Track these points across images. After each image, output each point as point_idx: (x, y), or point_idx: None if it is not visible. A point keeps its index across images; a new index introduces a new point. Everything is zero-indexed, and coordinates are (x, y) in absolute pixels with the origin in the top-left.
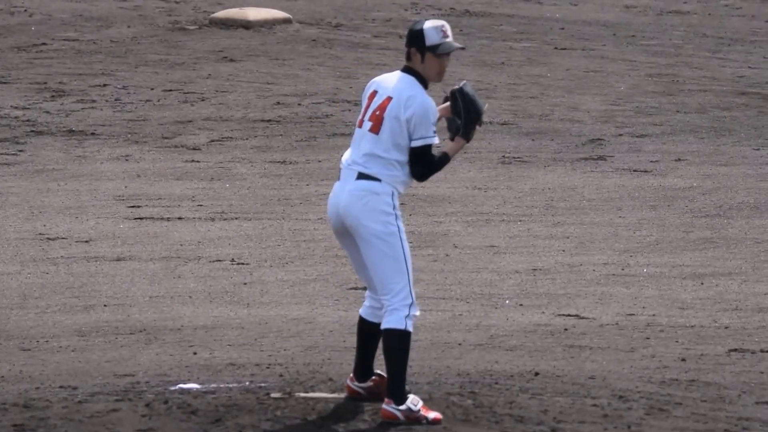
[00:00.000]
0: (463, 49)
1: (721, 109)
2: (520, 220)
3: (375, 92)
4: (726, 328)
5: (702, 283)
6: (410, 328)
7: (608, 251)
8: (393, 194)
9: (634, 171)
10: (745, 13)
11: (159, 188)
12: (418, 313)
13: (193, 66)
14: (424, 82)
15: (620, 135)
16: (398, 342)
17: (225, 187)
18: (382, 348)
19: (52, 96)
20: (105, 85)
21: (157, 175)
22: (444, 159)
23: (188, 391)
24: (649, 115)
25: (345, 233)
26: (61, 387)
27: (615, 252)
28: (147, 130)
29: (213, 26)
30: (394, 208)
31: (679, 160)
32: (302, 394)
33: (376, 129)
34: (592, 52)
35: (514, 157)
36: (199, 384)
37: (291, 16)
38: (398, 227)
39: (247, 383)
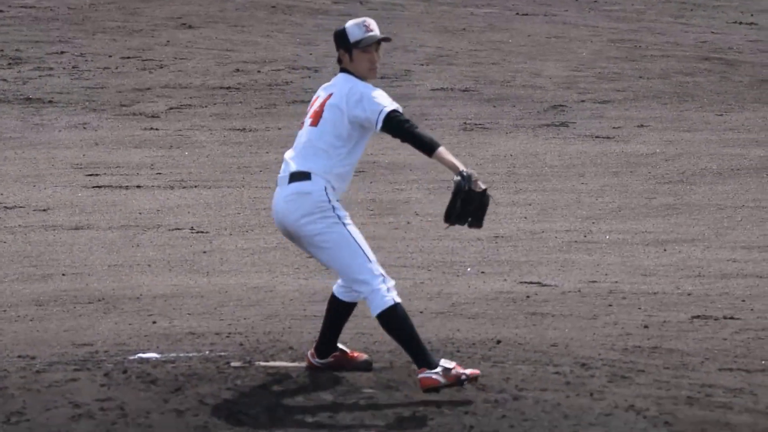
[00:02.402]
0: (388, 40)
1: (684, 75)
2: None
3: (317, 97)
4: (689, 294)
5: (665, 250)
6: (394, 300)
7: (570, 218)
8: (326, 188)
9: (597, 137)
10: None
11: (117, 156)
12: (392, 282)
13: (151, 33)
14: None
15: (582, 101)
16: (393, 319)
17: (184, 155)
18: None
19: (9, 64)
20: (62, 52)
21: (116, 143)
22: (428, 140)
23: (147, 360)
24: (611, 81)
25: (293, 236)
26: (18, 356)
27: (577, 219)
28: (105, 97)
29: None
30: (329, 201)
31: (642, 126)
32: (263, 363)
33: (315, 123)
34: (554, 18)
35: (475, 124)
36: (159, 353)
37: None
38: (338, 216)
39: (207, 352)
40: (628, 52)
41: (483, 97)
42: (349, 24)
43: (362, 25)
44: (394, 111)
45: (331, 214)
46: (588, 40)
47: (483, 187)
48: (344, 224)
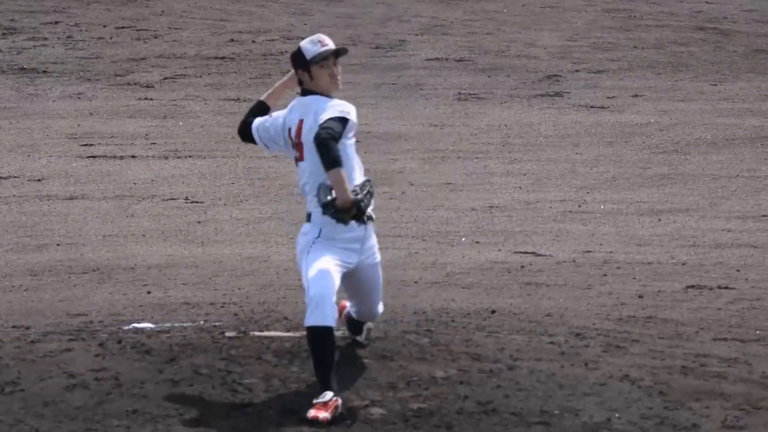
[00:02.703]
0: (344, 52)
1: (679, 45)
2: (477, 157)
3: (290, 127)
4: (683, 264)
5: (659, 220)
6: (308, 322)
7: (565, 188)
8: (320, 231)
9: (591, 107)
10: None
11: (112, 126)
12: (316, 304)
13: (145, 2)
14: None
15: (577, 71)
16: (309, 337)
17: (178, 125)
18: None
19: (3, 34)
20: (57, 22)
21: (110, 113)
22: (333, 157)
23: (142, 330)
24: (606, 51)
25: None
26: (13, 326)
27: (572, 189)
28: (99, 67)
29: None
30: (315, 238)
31: (637, 95)
32: (257, 333)
33: (302, 156)
34: None
35: (470, 94)
36: (153, 323)
37: None
38: (312, 242)
39: (202, 322)
40: (622, 22)
41: (478, 67)
42: (303, 43)
43: (316, 41)
44: (327, 121)
45: (309, 246)
46: (582, 9)
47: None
48: (309, 251)
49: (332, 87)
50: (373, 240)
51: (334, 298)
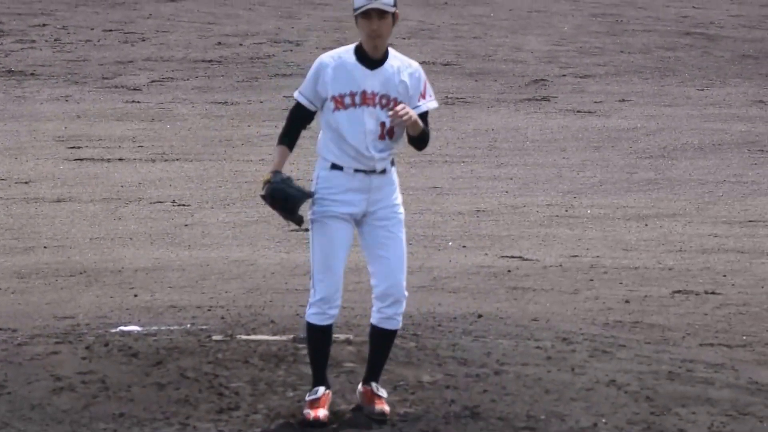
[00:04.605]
0: (373, 8)
1: (666, 50)
2: (464, 161)
3: None
4: (670, 269)
5: (646, 225)
6: (309, 320)
7: (552, 192)
8: (317, 176)
9: (578, 112)
10: None
11: (99, 129)
12: (320, 302)
13: (133, 5)
14: (360, 49)
15: (564, 75)
16: (307, 333)
17: (166, 128)
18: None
19: None
20: (44, 24)
21: (98, 116)
22: (281, 133)
23: (129, 333)
24: (592, 56)
25: None
26: (0, 329)
27: (559, 193)
28: (87, 70)
29: None
30: (314, 201)
31: (623, 100)
32: (244, 337)
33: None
34: None
35: (457, 98)
36: (140, 326)
37: None
38: (313, 211)
39: (189, 325)
40: (609, 27)
41: (465, 72)
42: None
43: None
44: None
45: (312, 215)
46: (569, 14)
47: (262, 193)
48: (312, 225)
49: (368, 42)
50: (384, 193)
51: (340, 297)
